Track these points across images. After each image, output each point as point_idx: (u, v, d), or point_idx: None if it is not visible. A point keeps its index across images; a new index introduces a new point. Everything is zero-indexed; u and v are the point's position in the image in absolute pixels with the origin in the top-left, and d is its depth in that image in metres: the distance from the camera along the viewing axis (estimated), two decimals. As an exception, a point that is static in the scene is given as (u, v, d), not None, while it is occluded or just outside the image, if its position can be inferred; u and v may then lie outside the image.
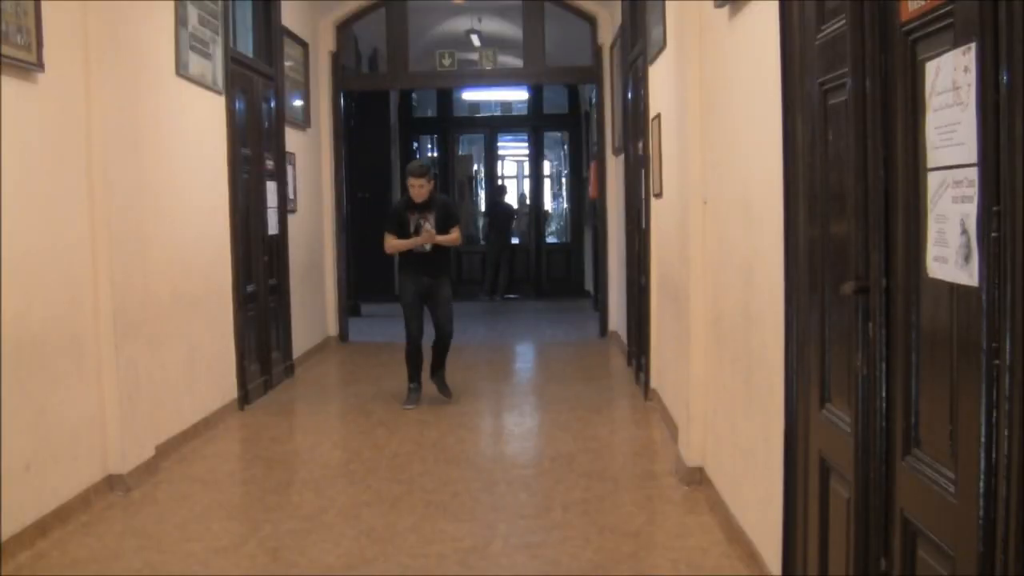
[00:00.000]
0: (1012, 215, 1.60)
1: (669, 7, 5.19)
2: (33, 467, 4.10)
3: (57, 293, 4.37)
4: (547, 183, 17.74)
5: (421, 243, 6.63)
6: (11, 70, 3.98)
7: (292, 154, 8.35)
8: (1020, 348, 1.60)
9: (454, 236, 6.74)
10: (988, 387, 1.68)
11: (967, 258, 1.74)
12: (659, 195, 6.02)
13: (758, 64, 3.39)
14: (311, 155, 9.26)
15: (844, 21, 2.42)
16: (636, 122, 7.11)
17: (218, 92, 6.45)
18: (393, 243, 6.77)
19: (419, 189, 6.55)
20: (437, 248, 6.71)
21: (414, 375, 6.88)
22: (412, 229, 6.64)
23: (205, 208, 6.26)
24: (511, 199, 15.85)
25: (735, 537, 3.89)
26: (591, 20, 9.76)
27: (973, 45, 1.70)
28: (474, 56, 11.25)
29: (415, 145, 15.39)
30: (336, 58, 9.77)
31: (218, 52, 6.42)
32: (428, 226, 6.61)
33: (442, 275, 6.84)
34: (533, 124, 15.55)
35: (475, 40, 11.70)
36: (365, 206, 13.17)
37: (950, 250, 1.82)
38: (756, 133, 3.49)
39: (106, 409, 4.77)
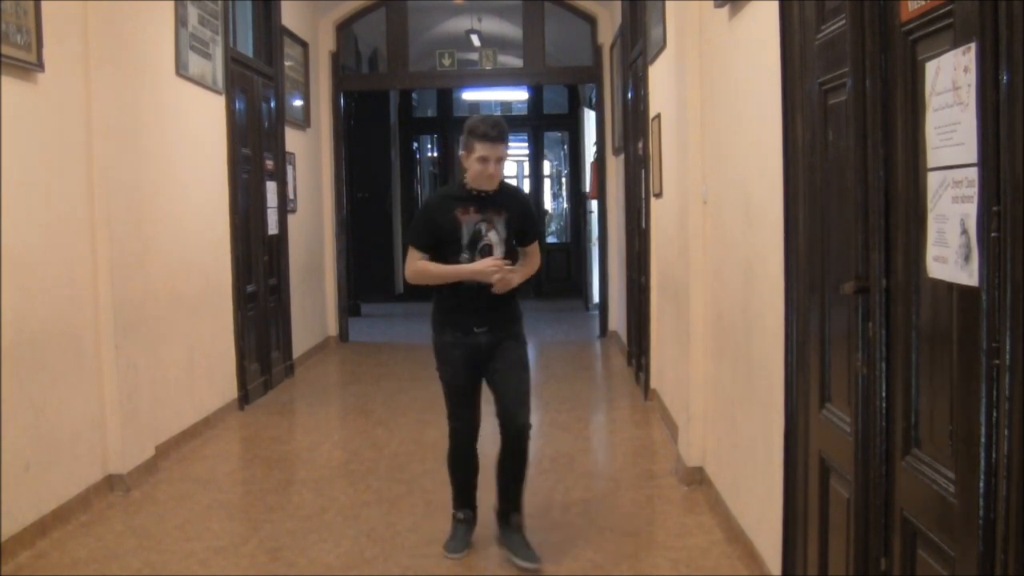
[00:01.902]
0: (1012, 215, 1.60)
1: (669, 7, 5.19)
2: (33, 467, 4.10)
3: (57, 293, 4.37)
4: (547, 183, 17.74)
5: (485, 275, 3.70)
6: (11, 70, 3.98)
7: (292, 154, 8.35)
8: (1020, 348, 1.60)
9: (533, 264, 3.97)
10: (988, 387, 1.68)
11: (967, 258, 1.74)
12: (659, 195, 6.02)
13: (758, 64, 3.39)
14: (311, 155, 9.26)
15: (844, 21, 2.42)
16: (636, 122, 7.11)
17: (218, 92, 6.45)
18: (428, 269, 3.79)
19: (493, 167, 3.69)
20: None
21: (463, 495, 4.04)
22: (467, 241, 3.75)
23: (205, 208, 6.26)
24: None
25: (735, 537, 3.89)
26: (591, 20, 9.76)
27: (973, 45, 1.70)
28: (474, 56, 11.25)
29: (415, 145, 15.39)
30: (336, 58, 9.77)
31: (218, 52, 6.42)
32: (494, 238, 3.78)
33: (511, 325, 3.89)
34: (533, 124, 15.54)
35: (475, 40, 11.70)
36: (365, 206, 13.18)
37: (950, 250, 1.81)
38: (756, 133, 3.49)
39: (106, 409, 4.77)
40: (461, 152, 3.82)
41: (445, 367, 3.92)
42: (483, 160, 3.69)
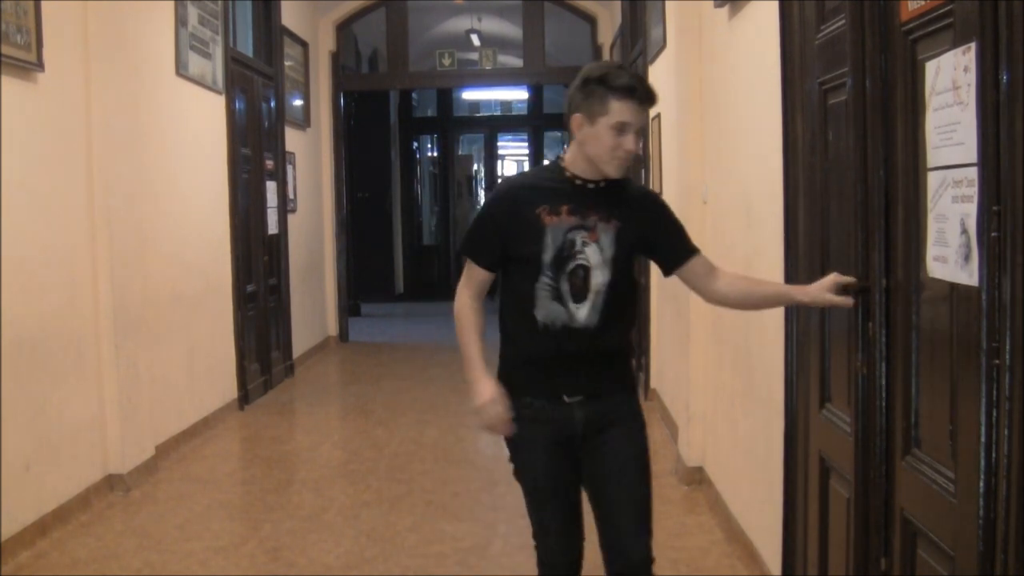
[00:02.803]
0: (1012, 215, 1.60)
1: (669, 7, 5.19)
2: (33, 467, 4.10)
3: (57, 293, 4.37)
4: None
5: (477, 412, 2.50)
6: (11, 70, 3.98)
7: (292, 154, 8.35)
8: (1020, 348, 1.60)
9: (735, 281, 2.60)
10: (988, 387, 1.68)
11: (967, 258, 1.74)
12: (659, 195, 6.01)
13: (758, 64, 3.39)
14: (311, 155, 9.26)
15: (844, 21, 2.42)
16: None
17: (218, 92, 6.44)
18: (463, 324, 2.56)
19: (633, 142, 2.33)
20: (610, 317, 2.43)
21: None
22: (550, 256, 2.39)
23: (205, 208, 6.26)
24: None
25: (735, 537, 3.88)
26: (591, 20, 9.76)
27: (973, 45, 1.70)
28: (474, 56, 11.26)
29: (415, 145, 15.40)
30: (336, 58, 9.77)
31: (218, 52, 6.42)
32: (593, 257, 2.39)
33: (623, 394, 2.57)
34: (533, 124, 15.55)
35: (475, 40, 11.70)
36: (365, 206, 13.19)
37: (950, 250, 1.81)
38: (756, 133, 3.49)
39: (106, 409, 4.77)
40: (574, 115, 2.37)
41: (521, 456, 2.56)
42: (620, 129, 2.31)
